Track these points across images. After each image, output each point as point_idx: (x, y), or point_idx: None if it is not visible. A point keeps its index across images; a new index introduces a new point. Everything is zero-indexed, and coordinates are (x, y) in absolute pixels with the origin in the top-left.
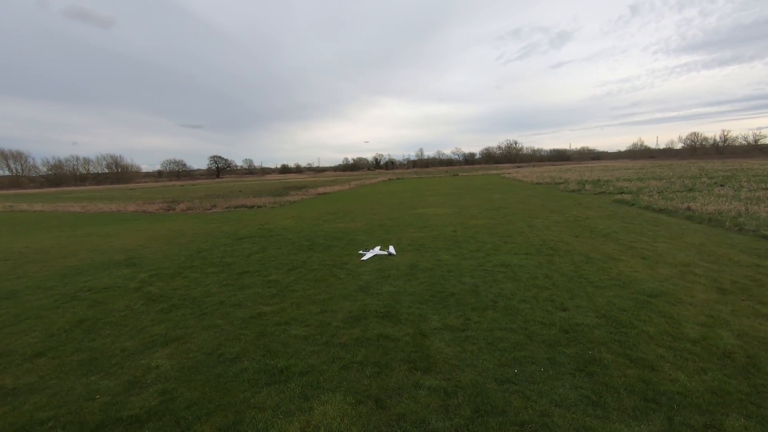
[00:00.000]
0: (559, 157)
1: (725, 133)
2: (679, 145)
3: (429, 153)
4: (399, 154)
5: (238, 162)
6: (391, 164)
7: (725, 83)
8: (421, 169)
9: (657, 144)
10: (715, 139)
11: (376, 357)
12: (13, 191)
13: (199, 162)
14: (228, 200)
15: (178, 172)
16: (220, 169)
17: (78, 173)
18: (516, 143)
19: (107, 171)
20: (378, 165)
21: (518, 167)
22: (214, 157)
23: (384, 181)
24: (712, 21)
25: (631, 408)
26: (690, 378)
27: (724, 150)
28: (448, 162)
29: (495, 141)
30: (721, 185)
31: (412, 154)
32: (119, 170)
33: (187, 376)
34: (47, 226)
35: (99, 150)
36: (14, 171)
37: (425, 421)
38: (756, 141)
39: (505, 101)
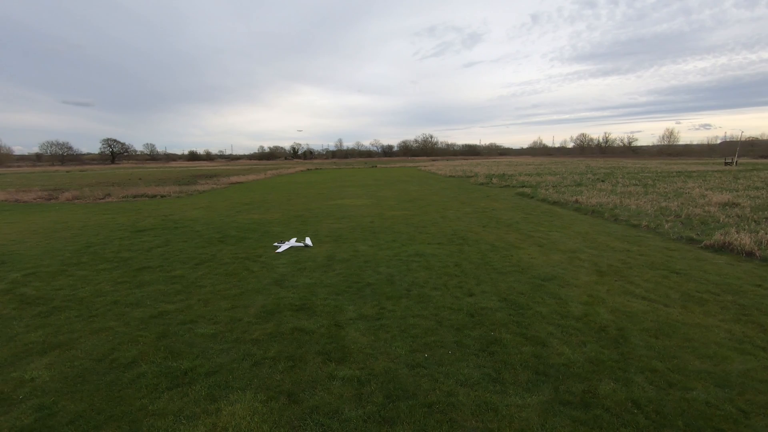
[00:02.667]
0: (471, 152)
1: (606, 136)
2: (570, 145)
3: (348, 144)
4: (318, 144)
5: (138, 147)
6: (309, 154)
7: (606, 92)
8: (341, 160)
9: (553, 143)
10: (598, 140)
11: (290, 351)
12: None
13: (89, 145)
14: (125, 189)
15: (62, 156)
16: (116, 153)
17: None
18: (432, 137)
19: None
20: (296, 154)
21: (433, 160)
22: (108, 140)
23: (302, 171)
24: (597, 35)
25: (525, 381)
26: (573, 351)
27: (605, 150)
28: (367, 153)
29: (412, 134)
30: (602, 181)
31: (332, 145)
32: None
33: (71, 387)
34: None
35: None
36: None
37: (338, 411)
38: (630, 143)
39: (422, 96)
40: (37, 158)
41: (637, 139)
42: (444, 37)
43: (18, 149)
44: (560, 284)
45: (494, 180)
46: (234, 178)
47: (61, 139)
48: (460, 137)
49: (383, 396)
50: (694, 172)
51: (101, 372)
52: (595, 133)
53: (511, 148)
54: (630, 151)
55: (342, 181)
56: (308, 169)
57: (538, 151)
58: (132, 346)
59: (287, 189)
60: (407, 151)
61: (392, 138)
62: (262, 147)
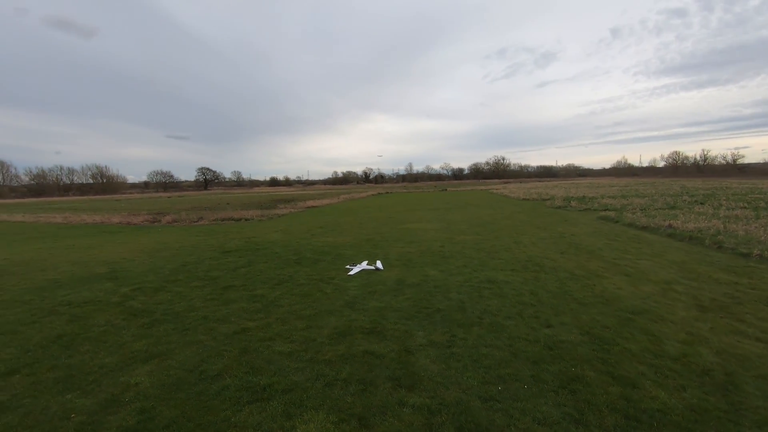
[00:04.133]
0: (546, 173)
1: (705, 153)
2: (661, 164)
3: (418, 168)
4: (388, 168)
5: (227, 174)
6: (380, 178)
7: (703, 105)
8: (411, 184)
9: (640, 162)
10: (695, 158)
11: (361, 374)
12: None
13: (186, 173)
14: (215, 213)
15: (165, 184)
16: (208, 180)
17: (61, 183)
18: (504, 159)
19: (92, 181)
20: (367, 179)
21: (506, 183)
22: (202, 168)
23: (373, 195)
24: (689, 45)
25: (613, 426)
26: (670, 395)
27: (704, 169)
28: (437, 177)
29: (483, 157)
30: (702, 203)
31: (402, 169)
32: (104, 181)
33: (167, 394)
34: (28, 238)
35: (84, 160)
36: None
37: None
38: (734, 160)
39: (493, 118)
40: (145, 185)
41: (743, 156)
42: (515, 58)
43: (131, 178)
44: (652, 319)
45: (573, 203)
46: (310, 203)
47: (164, 169)
48: (534, 159)
49: (455, 428)
50: None
51: (192, 382)
52: (691, 150)
53: (592, 169)
54: (735, 169)
55: (412, 204)
56: (379, 194)
57: (622, 171)
58: (218, 359)
59: (359, 213)
60: (478, 173)
61: (462, 161)
62: (335, 172)
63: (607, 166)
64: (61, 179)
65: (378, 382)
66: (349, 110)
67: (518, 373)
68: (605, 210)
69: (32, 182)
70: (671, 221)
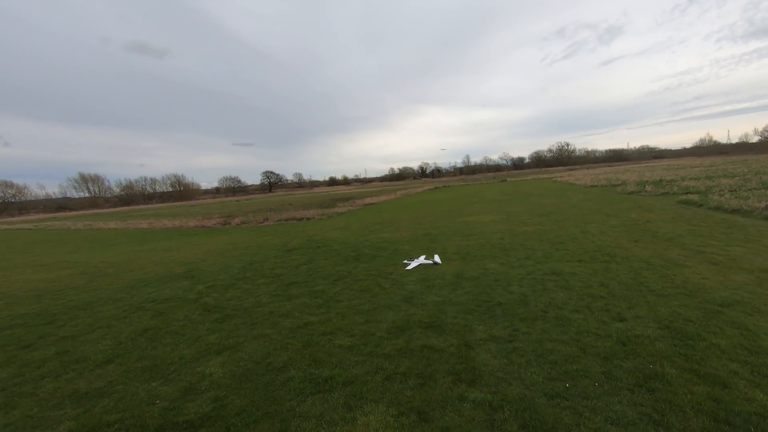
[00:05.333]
0: (616, 157)
1: None
2: (755, 139)
3: (476, 159)
4: (445, 161)
5: (289, 176)
6: (437, 172)
7: None
8: (468, 176)
9: (728, 138)
10: None
11: (420, 368)
12: (91, 211)
13: (252, 177)
14: (279, 213)
15: (233, 188)
16: (272, 183)
17: (146, 192)
18: (568, 145)
19: (171, 189)
20: (424, 174)
21: (571, 170)
22: (266, 172)
23: (430, 189)
24: None
25: (699, 429)
26: None
27: None
28: (495, 168)
29: (545, 144)
30: None
31: (459, 162)
32: (182, 188)
33: (237, 384)
34: (119, 242)
35: (164, 170)
36: (93, 192)
37: None
38: None
39: (554, 103)
40: (216, 191)
41: None
42: (575, 37)
43: (204, 185)
44: (746, 311)
45: (647, 187)
46: (367, 200)
47: (233, 174)
48: (601, 142)
49: (518, 425)
50: None
51: (259, 373)
52: None
53: (669, 150)
54: None
55: (469, 197)
56: (436, 188)
57: (706, 149)
58: (283, 352)
59: (416, 208)
60: (540, 162)
61: (522, 150)
62: (392, 169)
63: (688, 145)
64: (146, 189)
65: (437, 377)
66: (402, 105)
67: (587, 369)
68: (686, 193)
69: (122, 193)
70: None
